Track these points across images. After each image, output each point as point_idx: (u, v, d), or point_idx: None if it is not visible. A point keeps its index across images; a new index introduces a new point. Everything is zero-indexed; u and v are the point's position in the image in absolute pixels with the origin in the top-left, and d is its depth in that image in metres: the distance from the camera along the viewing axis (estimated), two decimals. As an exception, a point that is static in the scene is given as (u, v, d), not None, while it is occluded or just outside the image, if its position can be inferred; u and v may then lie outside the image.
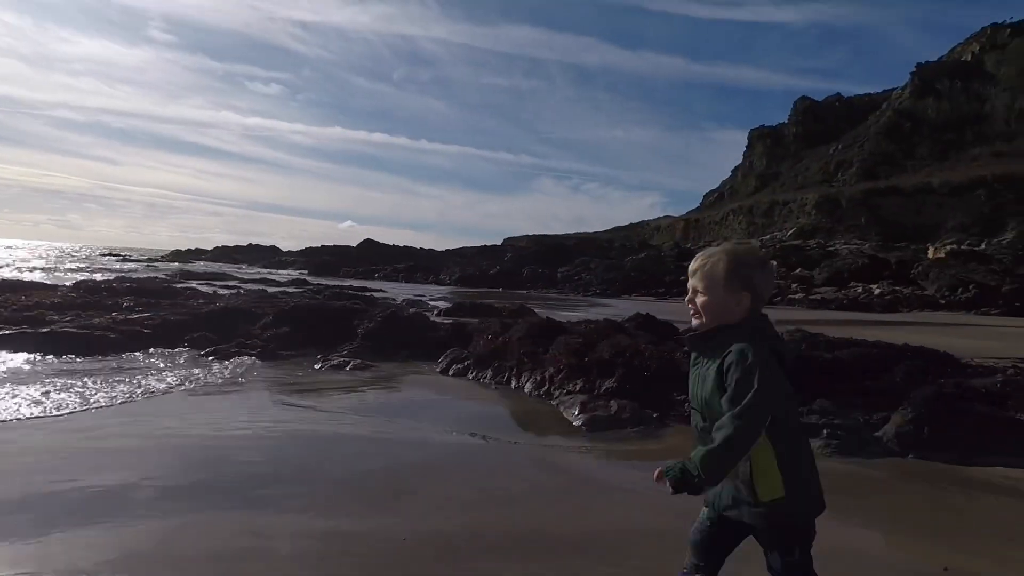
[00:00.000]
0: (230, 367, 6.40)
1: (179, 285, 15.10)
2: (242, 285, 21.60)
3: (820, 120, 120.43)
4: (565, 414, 4.91)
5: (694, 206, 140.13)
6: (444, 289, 30.11)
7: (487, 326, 7.73)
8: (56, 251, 78.90)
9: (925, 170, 77.28)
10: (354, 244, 58.86)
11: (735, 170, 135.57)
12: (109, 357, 6.75)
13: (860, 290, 29.96)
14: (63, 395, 4.93)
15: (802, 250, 48.47)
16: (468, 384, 6.23)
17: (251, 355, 7.03)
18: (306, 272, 41.91)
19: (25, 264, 34.38)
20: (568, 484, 3.42)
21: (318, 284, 24.62)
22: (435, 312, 13.96)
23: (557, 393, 5.46)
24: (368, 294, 17.71)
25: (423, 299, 18.32)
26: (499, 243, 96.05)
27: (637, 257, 48.88)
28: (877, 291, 29.12)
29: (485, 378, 6.32)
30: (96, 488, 3.01)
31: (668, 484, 1.56)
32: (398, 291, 23.18)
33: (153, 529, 2.59)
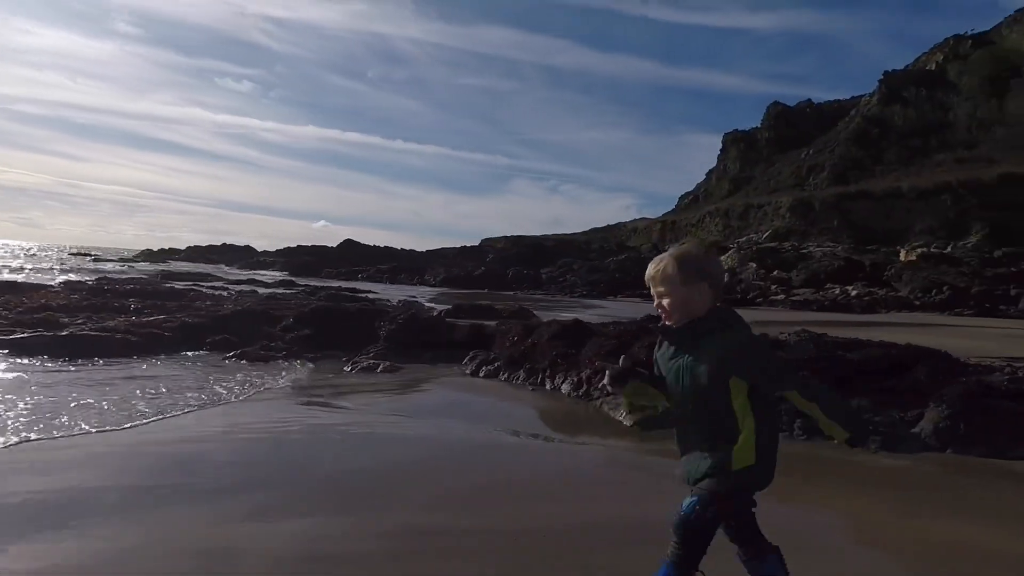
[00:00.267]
0: (285, 373, 6.33)
1: (180, 287, 14.81)
2: (230, 287, 21.26)
3: (792, 125, 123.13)
4: (613, 414, 5.04)
5: (669, 208, 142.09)
6: (432, 290, 30.02)
7: (508, 328, 7.82)
8: (23, 251, 76.25)
9: (892, 175, 79.67)
10: (328, 244, 58.39)
11: (709, 173, 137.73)
12: (136, 360, 6.67)
13: (838, 291, 30.83)
14: (156, 402, 4.85)
15: (777, 252, 49.56)
16: (501, 385, 6.33)
17: (278, 358, 7.01)
18: (287, 273, 41.38)
19: (5, 265, 33.20)
20: (655, 482, 3.56)
21: (306, 285, 24.37)
22: (437, 314, 13.97)
23: (597, 394, 5.60)
24: (362, 296, 17.62)
25: (418, 301, 18.30)
26: (476, 243, 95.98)
27: (618, 259, 49.44)
28: (854, 292, 29.99)
29: (518, 379, 6.42)
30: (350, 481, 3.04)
31: (848, 442, 1.81)
32: (388, 292, 23.06)
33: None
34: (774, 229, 67.72)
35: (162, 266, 41.21)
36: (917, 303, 25.72)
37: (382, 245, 58.95)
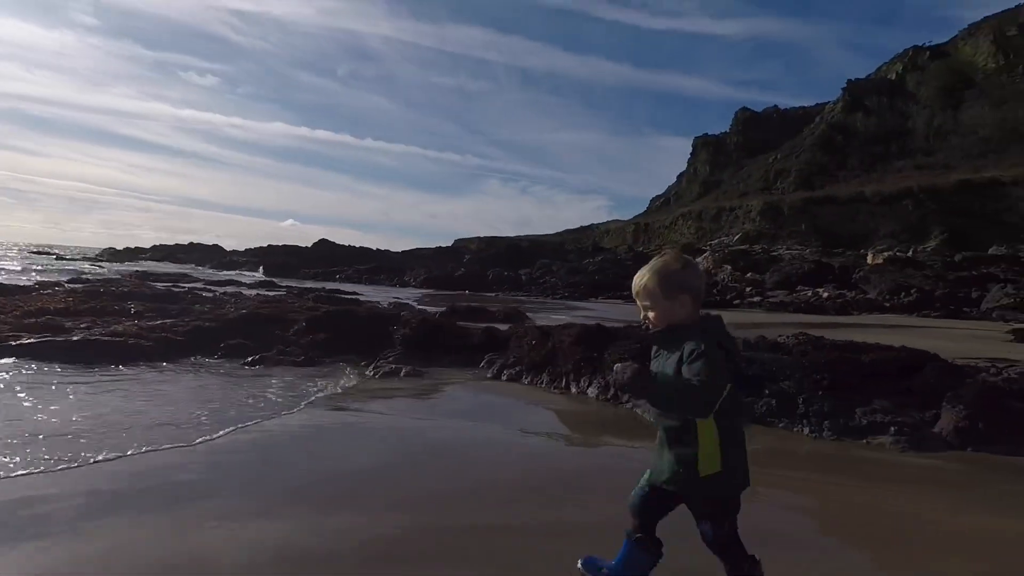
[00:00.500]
0: (328, 380, 6.27)
1: (176, 289, 14.46)
2: (212, 288, 20.81)
3: (759, 130, 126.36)
4: (647, 417, 5.19)
5: (639, 210, 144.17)
6: (415, 292, 29.89)
7: (524, 332, 7.92)
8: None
9: (856, 180, 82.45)
10: (298, 243, 57.50)
11: (680, 176, 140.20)
12: (159, 365, 6.55)
13: (810, 293, 31.78)
14: (221, 411, 4.74)
15: (749, 254, 50.78)
16: (527, 388, 6.43)
17: (297, 362, 6.98)
18: (261, 272, 40.66)
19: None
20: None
21: (288, 286, 24.01)
22: (436, 316, 13.97)
23: (625, 398, 5.74)
24: (351, 298, 17.48)
25: (408, 303, 18.24)
26: (449, 244, 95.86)
27: (595, 260, 49.99)
28: (825, 294, 30.96)
29: (541, 383, 6.53)
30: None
31: (618, 377, 1.85)
32: (373, 295, 22.89)
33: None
34: (744, 232, 69.36)
35: (134, 266, 39.99)
36: (887, 305, 26.69)
37: (355, 245, 58.23)
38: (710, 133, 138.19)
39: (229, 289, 18.88)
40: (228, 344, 7.33)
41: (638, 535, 2.12)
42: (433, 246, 71.62)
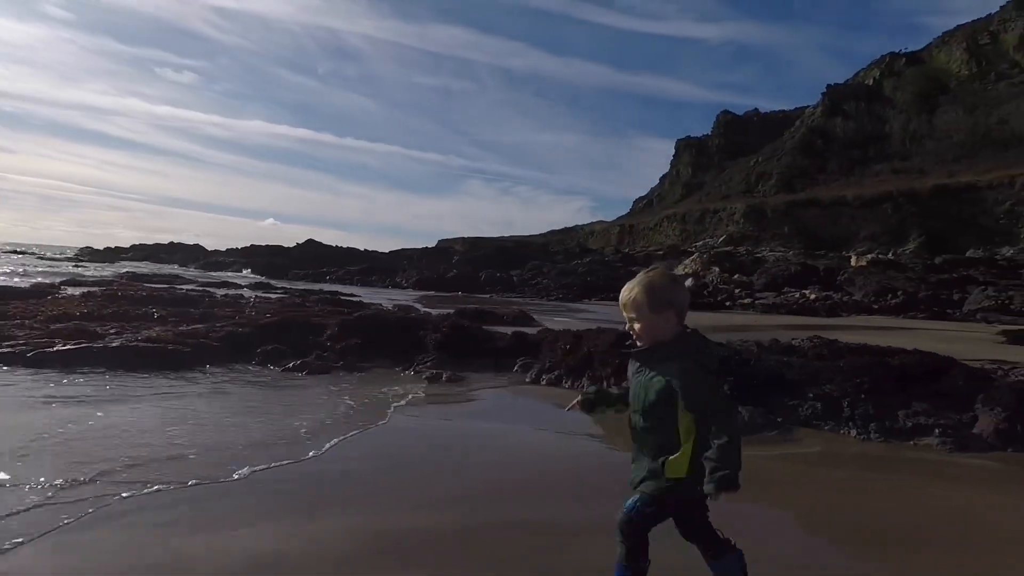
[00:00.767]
0: (388, 388, 6.30)
1: (192, 292, 14.29)
2: (210, 290, 20.57)
3: (741, 133, 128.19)
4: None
5: (621, 211, 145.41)
6: (410, 293, 29.85)
7: (556, 337, 8.06)
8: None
9: (836, 184, 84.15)
10: (277, 243, 56.91)
11: (663, 178, 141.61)
12: (209, 372, 6.57)
13: (797, 295, 32.39)
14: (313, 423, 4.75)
15: (734, 256, 51.51)
16: (569, 393, 6.56)
17: (338, 368, 7.03)
18: (250, 272, 40.24)
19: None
20: (805, 481, 3.89)
21: (285, 288, 23.84)
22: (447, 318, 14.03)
23: (670, 401, 5.91)
24: (356, 300, 17.45)
25: (412, 305, 18.25)
26: (432, 244, 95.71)
27: (583, 262, 50.34)
28: (812, 296, 31.59)
29: (581, 387, 6.67)
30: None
31: (720, 493, 1.94)
32: (370, 296, 22.81)
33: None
34: (729, 234, 70.36)
35: (120, 267, 39.25)
36: (875, 307, 27.34)
37: (339, 245, 57.69)
38: (692, 136, 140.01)
39: (231, 292, 18.72)
40: (264, 350, 7.35)
41: (639, 560, 2.15)
42: (416, 246, 71.58)
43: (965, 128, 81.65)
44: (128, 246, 76.05)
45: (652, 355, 2.09)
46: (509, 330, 9.10)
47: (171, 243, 75.68)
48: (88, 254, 64.13)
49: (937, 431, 5.00)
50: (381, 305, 17.24)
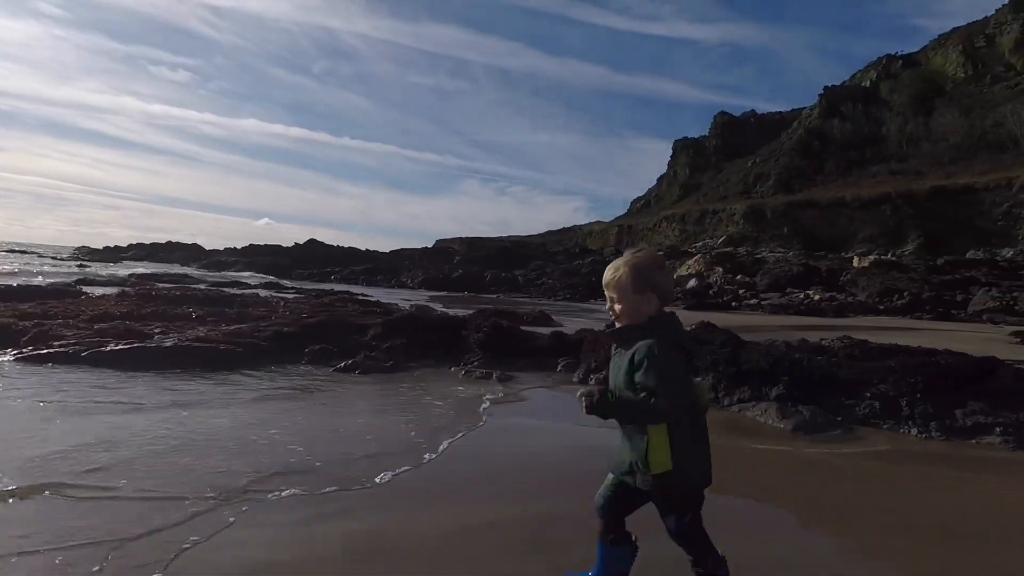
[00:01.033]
0: (464, 388, 6.39)
1: (225, 292, 14.28)
2: (224, 289, 20.55)
3: (738, 134, 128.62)
4: (760, 419, 5.46)
5: (617, 211, 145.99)
6: (419, 293, 29.86)
7: (597, 337, 8.14)
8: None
9: (833, 185, 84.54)
10: (272, 242, 56.78)
11: (660, 178, 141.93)
12: (263, 372, 6.60)
13: (802, 296, 32.59)
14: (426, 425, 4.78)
15: (734, 257, 51.81)
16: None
17: (387, 368, 7.08)
18: (253, 273, 40.15)
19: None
20: (899, 478, 3.98)
21: (295, 287, 23.83)
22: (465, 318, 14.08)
23: (726, 400, 6.00)
24: (372, 300, 17.48)
25: (428, 305, 18.28)
26: (429, 244, 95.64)
27: (585, 262, 50.47)
28: (817, 297, 31.80)
29: (632, 386, 6.76)
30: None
31: (583, 403, 1.97)
32: (382, 296, 22.84)
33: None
34: (728, 235, 70.68)
35: (127, 267, 39.07)
36: (881, 308, 27.54)
37: (335, 244, 57.53)
38: (689, 136, 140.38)
39: (246, 292, 18.73)
40: (312, 349, 7.40)
41: (610, 536, 2.18)
42: (413, 246, 71.77)
43: (961, 130, 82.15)
44: (126, 245, 75.80)
45: (628, 335, 2.04)
46: (547, 330, 9.17)
47: (169, 242, 75.45)
48: (87, 253, 63.83)
49: (998, 430, 5.10)
50: (398, 305, 17.27)
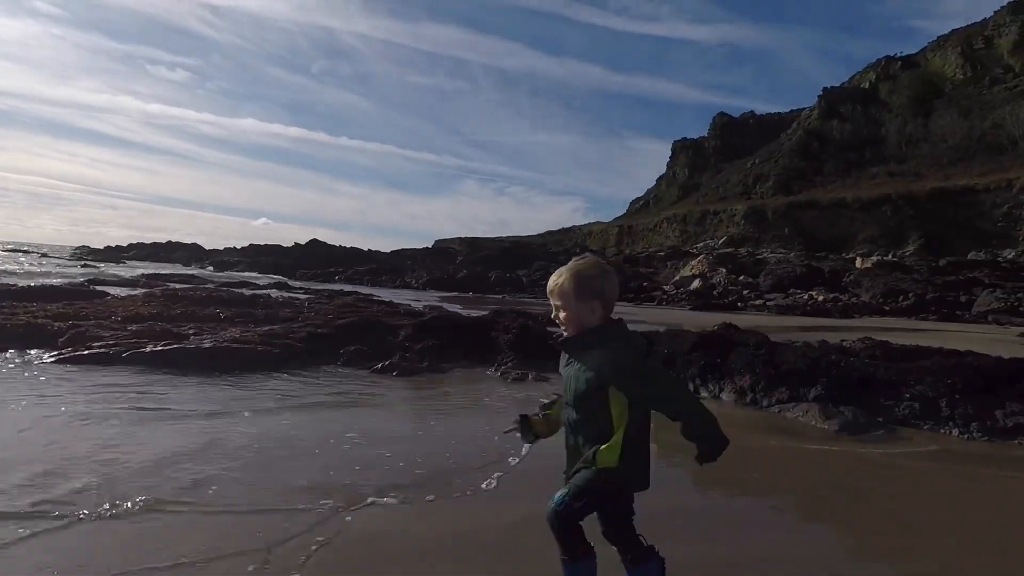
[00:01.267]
0: (505, 389, 6.49)
1: (247, 293, 14.30)
2: (233, 289, 20.56)
3: (737, 135, 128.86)
4: (802, 419, 5.53)
5: (615, 211, 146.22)
6: (431, 294, 29.90)
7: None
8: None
9: (832, 186, 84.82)
10: (270, 242, 56.68)
11: (659, 179, 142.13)
12: (307, 372, 6.66)
13: (805, 297, 32.71)
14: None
15: (735, 257, 51.95)
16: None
17: (423, 369, 7.14)
18: (256, 273, 40.11)
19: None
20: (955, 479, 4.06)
21: (303, 287, 23.85)
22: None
23: (765, 402, 6.07)
24: (385, 301, 17.52)
25: (439, 306, 18.33)
26: (428, 244, 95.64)
27: (587, 262, 50.47)
28: (820, 298, 31.93)
29: (667, 387, 6.83)
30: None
31: (705, 461, 1.97)
32: (391, 296, 22.88)
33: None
34: (729, 235, 70.87)
35: (137, 268, 38.99)
36: (887, 308, 27.68)
37: (334, 244, 57.45)
38: (688, 137, 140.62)
39: (257, 292, 18.75)
40: (348, 351, 7.44)
41: (578, 552, 2.11)
42: (411, 246, 71.89)
43: (960, 132, 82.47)
44: (126, 245, 75.66)
45: (579, 344, 2.04)
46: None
47: (169, 242, 75.35)
48: (88, 253, 63.67)
49: (1043, 430, 5.17)
50: (411, 306, 17.34)
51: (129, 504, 2.95)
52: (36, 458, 3.51)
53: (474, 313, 15.80)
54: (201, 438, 4.10)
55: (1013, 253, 47.62)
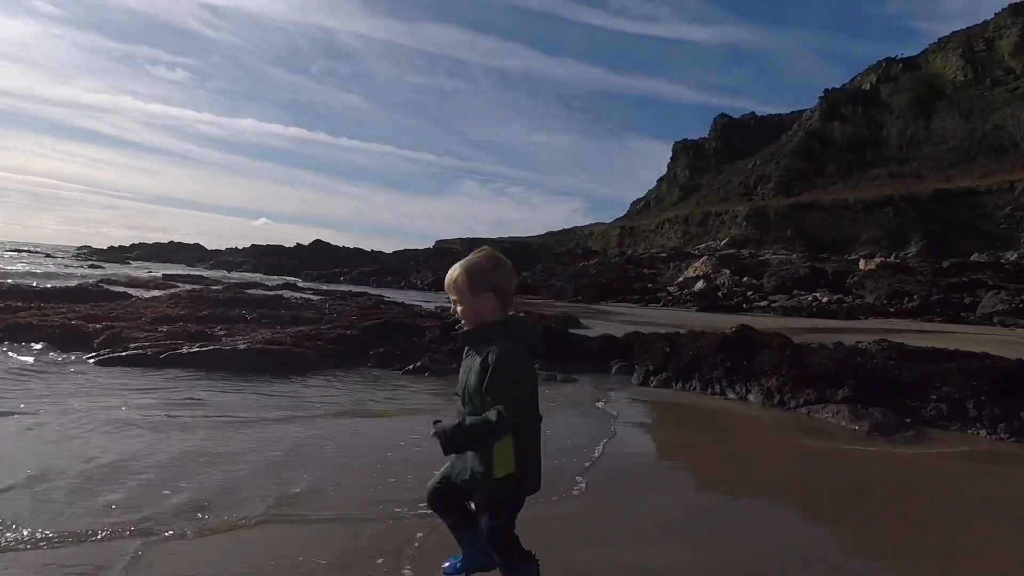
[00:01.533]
0: (554, 389, 6.66)
1: (270, 294, 14.41)
2: (250, 290, 20.66)
3: (738, 136, 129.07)
4: (832, 420, 5.65)
5: (616, 212, 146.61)
6: (442, 296, 29.92)
7: (650, 339, 8.33)
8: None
9: (834, 187, 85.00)
10: (270, 242, 56.58)
11: (660, 180, 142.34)
12: (338, 374, 6.75)
13: (810, 298, 32.83)
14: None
15: (737, 259, 52.09)
16: (685, 395, 6.84)
17: (452, 370, 7.25)
18: (262, 274, 40.19)
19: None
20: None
21: (313, 288, 23.96)
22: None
23: (792, 403, 6.19)
24: (400, 303, 17.65)
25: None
26: (429, 245, 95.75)
27: (591, 263, 50.68)
28: (825, 299, 32.05)
29: (693, 389, 6.95)
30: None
31: (440, 440, 1.94)
32: (397, 297, 22.97)
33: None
34: (731, 237, 71.03)
35: (143, 268, 39.07)
36: (892, 310, 27.80)
37: (334, 245, 57.34)
38: (688, 138, 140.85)
39: (269, 293, 18.85)
40: (377, 352, 7.56)
41: (459, 522, 2.19)
42: (411, 247, 71.98)
43: (961, 133, 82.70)
44: (128, 245, 75.66)
45: (476, 338, 2.04)
46: (593, 333, 9.36)
47: (172, 242, 75.32)
48: (90, 253, 63.70)
49: (1077, 430, 5.29)
50: (423, 307, 17.46)
51: (247, 515, 2.93)
52: (134, 466, 3.46)
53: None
54: (284, 444, 4.10)
55: (1016, 255, 47.79)
